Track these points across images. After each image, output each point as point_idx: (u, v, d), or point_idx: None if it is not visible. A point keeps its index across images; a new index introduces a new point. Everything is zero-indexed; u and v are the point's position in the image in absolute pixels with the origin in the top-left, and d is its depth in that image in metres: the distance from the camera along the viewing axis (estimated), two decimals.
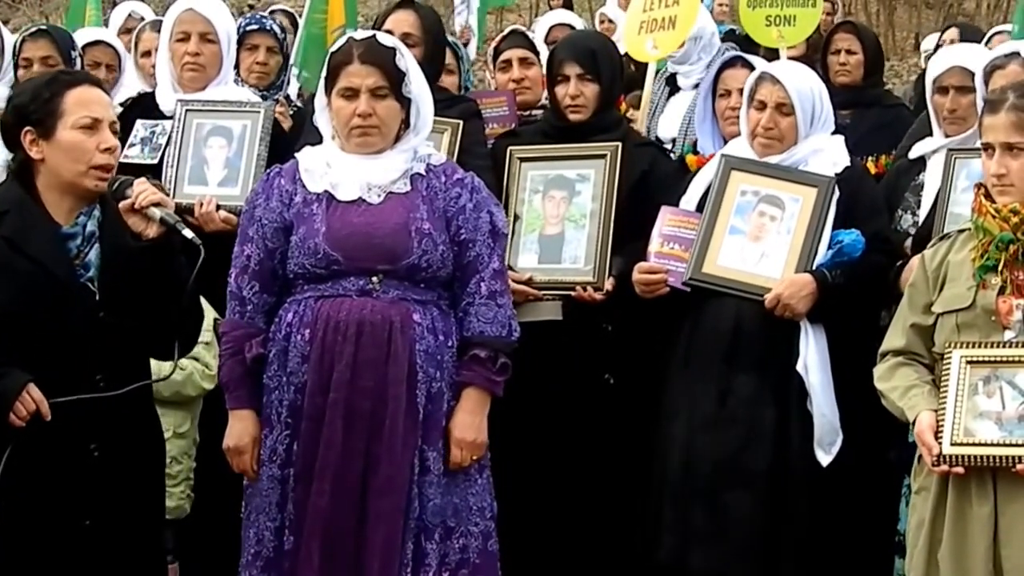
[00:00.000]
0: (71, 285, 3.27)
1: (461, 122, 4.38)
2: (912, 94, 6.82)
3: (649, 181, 4.36)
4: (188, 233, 3.31)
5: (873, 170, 4.93)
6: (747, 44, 5.93)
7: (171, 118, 4.48)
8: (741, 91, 4.36)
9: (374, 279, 3.45)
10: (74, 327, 3.24)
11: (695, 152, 4.71)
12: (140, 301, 3.29)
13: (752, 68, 4.46)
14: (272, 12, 6.38)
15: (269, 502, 3.48)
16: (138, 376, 3.40)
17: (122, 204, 3.30)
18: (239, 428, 3.52)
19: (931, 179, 4.33)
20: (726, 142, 4.47)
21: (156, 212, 3.29)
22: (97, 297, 3.30)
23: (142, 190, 3.29)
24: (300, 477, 3.44)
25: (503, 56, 5.19)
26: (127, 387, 3.30)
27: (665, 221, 4.18)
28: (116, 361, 3.30)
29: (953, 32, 6.48)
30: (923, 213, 4.31)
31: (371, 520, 3.40)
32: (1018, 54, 4.18)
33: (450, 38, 5.55)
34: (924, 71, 7.18)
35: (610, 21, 10.42)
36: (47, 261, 3.25)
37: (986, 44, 6.07)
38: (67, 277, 3.27)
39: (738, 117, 4.34)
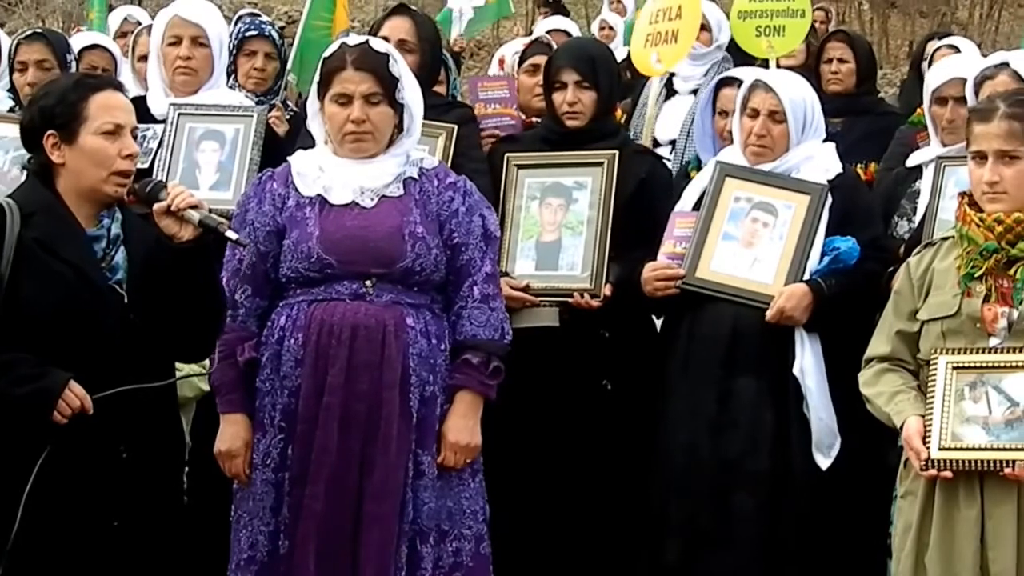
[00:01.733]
0: (102, 288, 3.26)
1: (456, 126, 4.41)
2: (898, 103, 6.86)
3: (646, 189, 4.38)
4: (231, 234, 3.29)
5: (863, 177, 4.98)
6: (740, 52, 5.99)
7: (162, 122, 4.49)
8: None
9: (367, 283, 3.46)
10: (105, 330, 3.24)
11: (700, 167, 4.72)
12: (169, 303, 3.29)
13: None
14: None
15: (263, 506, 3.49)
16: (166, 378, 3.40)
17: (156, 207, 3.26)
18: (231, 432, 3.53)
19: (927, 187, 4.37)
20: None
21: (195, 215, 3.25)
22: (126, 299, 3.29)
23: (179, 193, 3.26)
24: (296, 481, 3.45)
25: (531, 60, 5.18)
26: (166, 380, 3.32)
27: (676, 224, 4.22)
28: (145, 363, 3.29)
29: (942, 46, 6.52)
30: (919, 220, 4.34)
31: (366, 524, 3.41)
32: (1007, 65, 4.21)
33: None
34: (904, 81, 7.26)
35: (611, 28, 10.45)
36: (80, 264, 3.24)
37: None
38: (99, 280, 3.27)
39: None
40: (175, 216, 3.24)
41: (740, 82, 4.56)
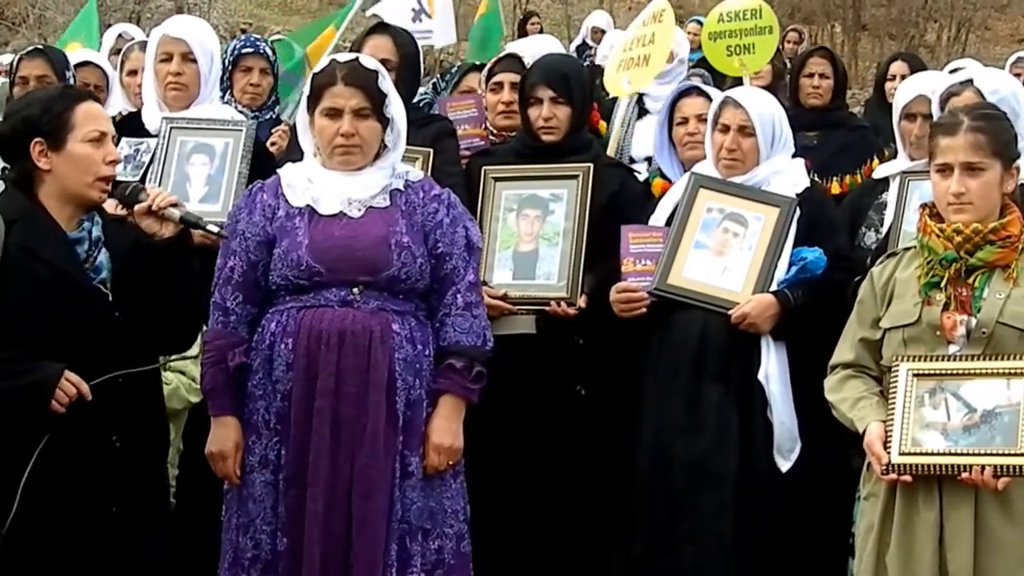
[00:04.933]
0: (86, 288, 3.38)
1: (431, 151, 4.47)
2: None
3: (618, 201, 4.48)
4: (212, 227, 3.45)
5: (837, 190, 5.10)
6: (715, 70, 6.16)
7: (157, 136, 4.57)
8: (698, 117, 4.55)
9: (355, 290, 3.54)
10: (91, 328, 3.34)
11: (662, 176, 4.82)
12: (153, 299, 3.41)
13: (705, 95, 4.64)
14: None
15: (264, 507, 3.55)
16: (153, 372, 3.52)
17: (138, 207, 3.43)
18: (222, 434, 3.60)
19: (893, 199, 4.48)
20: (684, 167, 4.61)
21: (175, 212, 3.42)
22: (110, 298, 3.41)
23: (158, 193, 3.43)
24: (291, 481, 3.52)
25: (496, 78, 5.18)
26: (150, 365, 3.45)
27: (629, 240, 4.30)
28: (131, 357, 3.40)
29: (903, 66, 6.71)
30: (886, 231, 4.44)
31: (356, 523, 3.48)
32: (971, 82, 4.32)
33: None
34: (870, 100, 7.46)
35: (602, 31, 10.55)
36: (63, 265, 3.35)
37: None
38: (82, 280, 3.38)
39: (696, 142, 4.52)
40: (156, 215, 3.42)
41: (697, 90, 4.70)
